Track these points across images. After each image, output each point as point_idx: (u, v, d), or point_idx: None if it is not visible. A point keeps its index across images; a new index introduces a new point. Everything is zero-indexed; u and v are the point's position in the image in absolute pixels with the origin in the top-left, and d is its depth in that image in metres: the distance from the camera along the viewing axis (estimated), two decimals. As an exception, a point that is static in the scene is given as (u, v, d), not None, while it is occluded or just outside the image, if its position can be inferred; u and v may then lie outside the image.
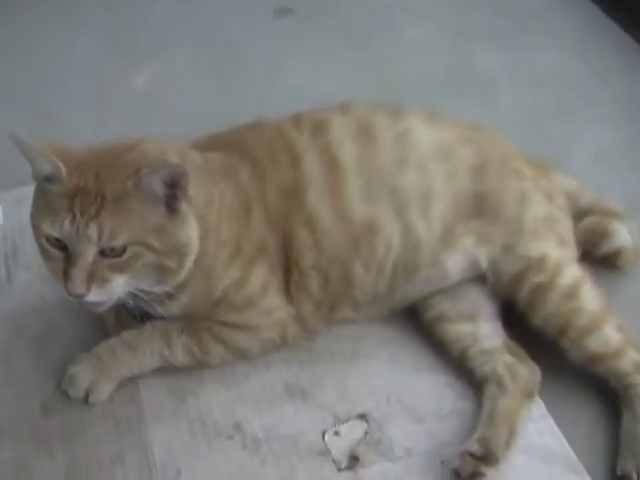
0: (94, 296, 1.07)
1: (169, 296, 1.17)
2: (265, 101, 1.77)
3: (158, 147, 1.17)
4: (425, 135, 1.28)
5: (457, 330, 1.26)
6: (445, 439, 1.18)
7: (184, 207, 1.09)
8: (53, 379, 1.25)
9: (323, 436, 1.18)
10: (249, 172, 1.23)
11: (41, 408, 1.22)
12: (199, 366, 1.24)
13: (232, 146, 1.27)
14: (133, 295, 1.12)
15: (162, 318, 1.23)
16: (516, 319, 1.28)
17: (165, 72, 1.92)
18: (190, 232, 1.11)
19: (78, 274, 1.05)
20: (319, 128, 1.26)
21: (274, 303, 1.23)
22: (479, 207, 1.26)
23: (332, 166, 1.23)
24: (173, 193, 1.06)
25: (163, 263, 1.09)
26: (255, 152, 1.26)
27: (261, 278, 1.22)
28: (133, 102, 1.77)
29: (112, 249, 1.05)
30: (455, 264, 1.26)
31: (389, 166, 1.24)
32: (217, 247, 1.18)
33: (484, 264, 1.26)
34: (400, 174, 1.24)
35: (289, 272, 1.24)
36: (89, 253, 1.05)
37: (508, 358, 1.23)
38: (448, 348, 1.26)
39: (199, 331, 1.23)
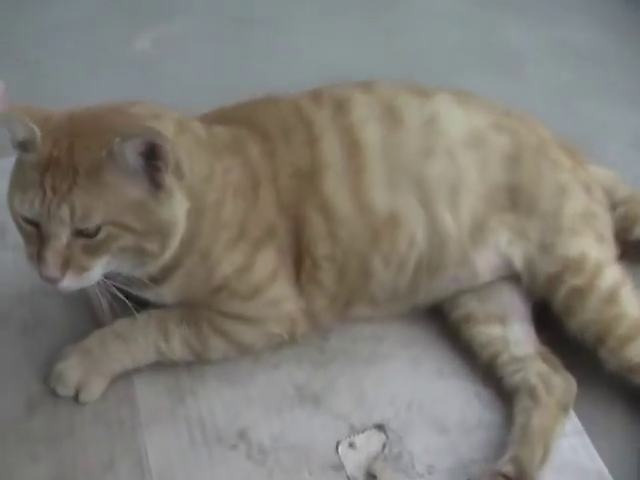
0: (68, 282, 0.96)
1: (155, 280, 1.05)
2: (277, 69, 1.62)
3: (151, 112, 1.04)
4: (455, 120, 1.15)
5: (486, 333, 1.14)
6: (471, 455, 1.06)
7: (169, 181, 0.96)
8: (40, 372, 1.12)
9: (337, 447, 1.05)
10: (259, 149, 1.10)
11: (25, 405, 1.09)
12: (199, 361, 1.12)
13: (242, 120, 1.14)
14: (115, 280, 1.01)
15: (160, 306, 1.11)
16: (548, 322, 1.14)
17: (172, 36, 1.77)
18: (175, 210, 0.98)
19: (51, 257, 0.94)
20: (340, 106, 1.14)
21: (282, 293, 1.10)
22: (513, 201, 1.13)
23: (353, 150, 1.11)
24: (154, 165, 0.94)
25: (143, 245, 0.97)
26: (267, 128, 1.13)
27: (268, 265, 1.09)
28: (136, 66, 1.62)
29: (86, 229, 0.94)
30: (486, 263, 1.14)
31: (415, 153, 1.12)
32: (216, 227, 1.05)
33: (518, 263, 1.14)
34: (427, 162, 1.11)
35: (301, 261, 1.11)
36: (62, 235, 0.94)
37: (541, 366, 1.10)
38: (476, 352, 1.14)
39: (199, 321, 1.10)
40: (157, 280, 1.05)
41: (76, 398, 1.09)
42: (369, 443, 1.06)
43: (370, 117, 1.12)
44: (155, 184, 0.96)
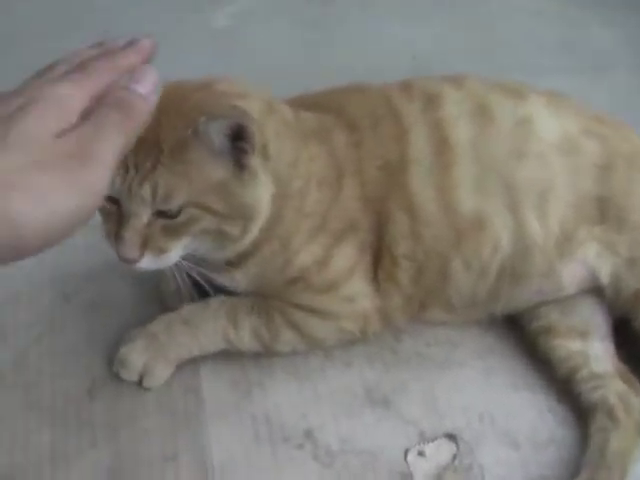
0: (146, 263, 0.92)
1: (231, 264, 1.00)
2: (358, 54, 1.53)
3: (239, 90, 0.97)
4: (548, 124, 1.08)
5: (566, 347, 1.08)
6: (541, 471, 1.01)
7: (255, 163, 0.91)
8: (104, 356, 1.08)
9: (406, 455, 1.01)
10: (345, 139, 1.05)
11: (88, 389, 1.05)
12: (266, 352, 1.07)
13: (329, 108, 1.08)
14: (191, 262, 0.96)
15: (230, 293, 1.06)
16: (626, 339, 1.10)
17: (249, 14, 1.67)
18: (259, 193, 0.93)
19: (130, 237, 0.89)
20: (431, 101, 1.07)
21: (358, 290, 1.05)
22: (602, 212, 1.07)
23: (442, 147, 1.04)
24: (240, 146, 0.88)
25: (224, 227, 0.92)
26: (355, 117, 1.07)
27: (347, 260, 1.04)
28: (212, 43, 1.54)
29: (168, 210, 0.89)
30: (572, 276, 1.08)
31: (506, 155, 1.05)
32: (298, 216, 1.00)
33: (604, 278, 1.08)
34: (518, 165, 1.05)
35: (379, 258, 1.06)
36: (142, 214, 0.89)
37: (621, 386, 1.05)
38: (553, 366, 1.09)
39: (270, 312, 1.05)
40: (233, 264, 1.01)
41: (140, 383, 1.05)
42: (439, 452, 1.02)
43: (461, 114, 1.06)
44: (240, 165, 0.90)
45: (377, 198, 1.04)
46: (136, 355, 1.05)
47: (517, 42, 1.62)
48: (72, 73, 0.68)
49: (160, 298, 1.11)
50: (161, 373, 1.05)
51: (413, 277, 1.06)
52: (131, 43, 0.73)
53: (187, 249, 0.95)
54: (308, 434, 1.02)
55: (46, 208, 0.59)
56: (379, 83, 1.10)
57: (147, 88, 0.68)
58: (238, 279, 1.03)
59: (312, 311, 1.05)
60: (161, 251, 0.92)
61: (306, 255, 1.02)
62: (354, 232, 1.04)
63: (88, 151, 0.62)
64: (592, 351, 1.08)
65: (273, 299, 1.06)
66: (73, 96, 0.65)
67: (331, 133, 1.04)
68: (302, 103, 1.08)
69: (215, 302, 1.06)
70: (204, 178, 0.90)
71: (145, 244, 0.91)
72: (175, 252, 0.93)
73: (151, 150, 0.87)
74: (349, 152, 1.04)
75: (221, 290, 1.06)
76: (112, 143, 0.64)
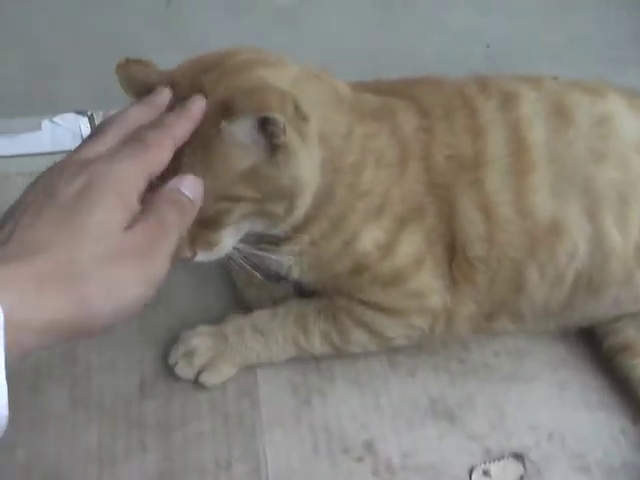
0: (202, 257, 0.86)
1: (286, 243, 0.92)
2: (429, 37, 1.40)
3: (267, 58, 0.88)
4: (629, 124, 0.98)
5: None
6: (612, 499, 0.94)
7: (290, 139, 0.81)
8: (157, 352, 1.00)
9: (470, 473, 0.93)
10: (415, 121, 0.95)
11: (138, 387, 0.97)
12: (339, 354, 0.99)
13: (401, 94, 0.98)
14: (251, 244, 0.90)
15: (294, 283, 0.99)
16: None
17: None
18: (300, 170, 0.84)
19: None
20: (508, 100, 0.98)
21: (428, 284, 0.96)
22: None
23: (520, 148, 0.95)
24: (268, 131, 0.80)
25: (265, 209, 0.85)
26: (428, 104, 0.97)
27: (414, 248, 0.94)
28: (274, 22, 1.40)
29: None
30: None
31: (585, 157, 0.96)
32: (353, 194, 0.91)
33: None
34: (597, 168, 0.95)
35: (454, 256, 0.97)
36: None
37: (702, 410, 0.98)
38: (630, 386, 1.00)
39: (338, 314, 0.98)
40: (284, 241, 0.92)
41: (195, 381, 0.97)
42: (505, 473, 0.93)
43: (539, 115, 0.97)
44: (272, 147, 0.82)
45: (445, 185, 0.95)
46: (204, 349, 0.98)
47: (597, 32, 1.49)
48: (129, 146, 0.72)
49: (237, 296, 1.05)
50: (225, 371, 0.98)
51: (487, 284, 0.97)
52: (182, 109, 0.78)
53: (239, 234, 0.88)
54: (368, 446, 0.94)
55: (117, 298, 0.65)
56: (454, 77, 1.00)
57: (194, 195, 0.75)
58: (291, 265, 0.95)
59: (379, 308, 0.97)
60: (210, 244, 0.86)
61: (367, 238, 0.92)
62: (420, 218, 0.95)
63: (154, 247, 0.68)
64: (673, 372, 1.00)
65: (339, 298, 0.97)
66: (133, 178, 0.69)
67: (396, 115, 0.95)
68: (374, 87, 0.99)
69: (282, 309, 0.99)
70: (231, 170, 0.82)
71: (193, 241, 0.85)
72: (226, 241, 0.87)
73: (177, 153, 0.78)
74: (416, 136, 0.95)
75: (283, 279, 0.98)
76: (171, 241, 0.70)
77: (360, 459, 0.93)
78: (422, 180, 0.95)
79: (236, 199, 0.83)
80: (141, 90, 0.86)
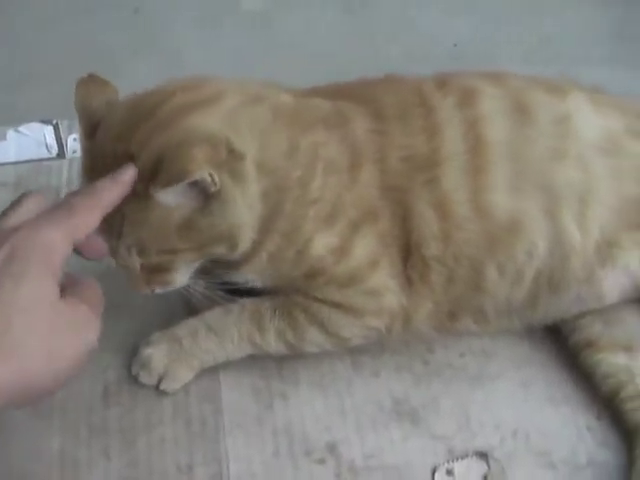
0: (160, 291, 0.90)
1: (238, 264, 0.92)
2: (397, 37, 1.39)
3: (202, 97, 0.87)
4: (589, 122, 0.97)
5: (610, 362, 0.97)
6: (579, 497, 0.91)
7: (223, 185, 0.81)
8: (119, 359, 0.98)
9: (433, 473, 0.90)
10: (368, 125, 0.94)
11: (102, 393, 0.95)
12: (294, 354, 0.97)
13: (356, 96, 0.97)
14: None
15: (255, 294, 0.97)
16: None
17: None
18: (236, 211, 0.84)
19: (134, 281, 0.88)
20: (467, 97, 0.96)
21: (383, 285, 0.94)
22: None
23: (477, 146, 0.93)
24: (203, 187, 0.81)
25: (207, 252, 0.87)
26: (383, 106, 0.96)
27: (368, 250, 0.93)
28: (243, 28, 1.39)
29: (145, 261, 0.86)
30: (614, 284, 0.97)
31: (544, 155, 0.94)
32: (303, 205, 0.89)
33: None
34: (556, 167, 0.93)
35: (409, 257, 0.95)
36: (133, 266, 0.86)
37: (668, 405, 0.95)
38: (596, 382, 0.97)
39: (294, 312, 0.95)
40: (240, 264, 0.92)
41: (157, 387, 0.96)
42: (469, 472, 0.91)
43: (498, 112, 0.95)
44: (205, 197, 0.82)
45: (400, 188, 0.93)
46: (159, 357, 0.96)
47: (564, 32, 1.46)
48: (54, 212, 0.72)
49: (185, 301, 1.01)
50: (181, 377, 0.96)
51: (443, 283, 0.95)
52: (113, 175, 0.78)
53: (192, 268, 0.90)
54: (331, 448, 0.92)
55: (56, 363, 0.66)
56: (415, 75, 0.99)
57: None
58: (252, 278, 0.94)
59: (336, 306, 0.94)
60: (165, 283, 0.89)
61: (320, 244, 0.91)
62: (373, 221, 0.93)
63: (88, 318, 0.72)
64: (638, 366, 0.96)
65: (296, 297, 0.95)
66: (59, 245, 0.70)
67: (349, 119, 0.94)
68: (330, 91, 0.98)
69: (237, 307, 0.96)
70: (165, 227, 0.83)
71: (149, 282, 0.88)
72: (180, 277, 0.89)
73: (116, 217, 0.81)
74: (369, 139, 0.93)
75: (241, 293, 0.96)
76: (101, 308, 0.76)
77: (322, 461, 0.91)
78: (376, 184, 0.93)
79: (174, 252, 0.85)
80: (87, 116, 0.88)
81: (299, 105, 0.93)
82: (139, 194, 0.81)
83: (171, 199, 0.81)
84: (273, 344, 0.96)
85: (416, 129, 0.94)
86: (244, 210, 0.85)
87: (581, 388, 0.98)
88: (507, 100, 0.96)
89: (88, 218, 0.74)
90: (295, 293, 0.95)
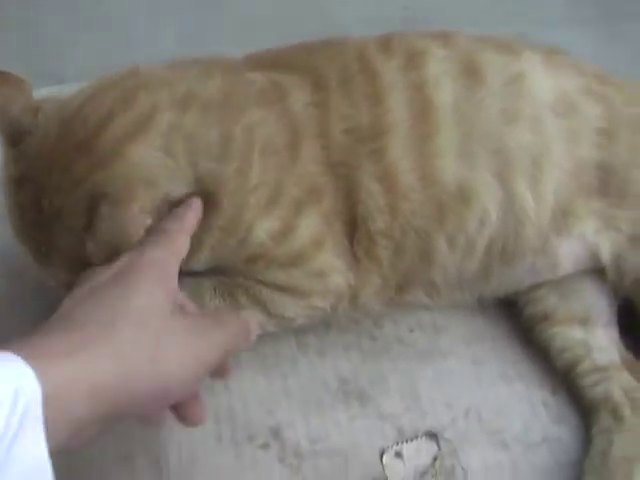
0: None
1: None
2: (344, 2, 1.23)
3: (135, 122, 0.79)
4: (544, 83, 0.90)
5: (566, 336, 0.91)
6: (533, 476, 0.84)
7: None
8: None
9: (381, 456, 0.85)
10: (307, 98, 0.86)
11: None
12: None
13: (294, 65, 0.90)
14: None
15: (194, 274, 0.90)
16: (632, 325, 0.93)
17: None
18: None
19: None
20: (413, 59, 0.89)
21: (329, 265, 0.87)
22: (603, 183, 0.89)
23: (424, 110, 0.86)
24: None
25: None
26: (323, 75, 0.88)
27: (312, 230, 0.86)
28: None
29: None
30: (569, 253, 0.90)
31: (495, 118, 0.87)
32: (241, 194, 0.82)
33: (605, 256, 0.90)
34: (509, 130, 0.87)
35: (354, 233, 0.88)
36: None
37: (627, 380, 0.88)
38: (552, 357, 0.92)
39: (235, 292, 0.88)
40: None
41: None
42: (419, 453, 0.85)
43: (446, 74, 0.88)
44: None
45: (344, 162, 0.86)
46: None
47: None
48: (152, 237, 0.74)
49: None
50: None
51: (391, 257, 0.89)
52: (188, 202, 0.79)
53: None
54: (275, 433, 0.86)
55: (163, 367, 0.64)
56: (357, 37, 0.91)
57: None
58: (195, 266, 0.86)
59: (279, 288, 0.88)
60: None
61: (262, 230, 0.84)
62: (317, 200, 0.86)
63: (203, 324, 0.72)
64: (594, 340, 0.91)
65: (237, 278, 0.88)
66: (168, 262, 0.73)
67: (286, 93, 0.86)
68: (267, 59, 0.91)
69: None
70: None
71: None
72: None
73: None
74: (309, 113, 0.86)
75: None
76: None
77: (266, 446, 0.85)
78: (318, 160, 0.86)
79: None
80: (8, 122, 0.80)
81: (231, 87, 0.85)
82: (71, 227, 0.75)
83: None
84: None
85: (359, 98, 0.87)
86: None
87: (535, 364, 0.93)
88: (456, 61, 0.89)
89: (182, 240, 0.76)
90: (236, 274, 0.89)
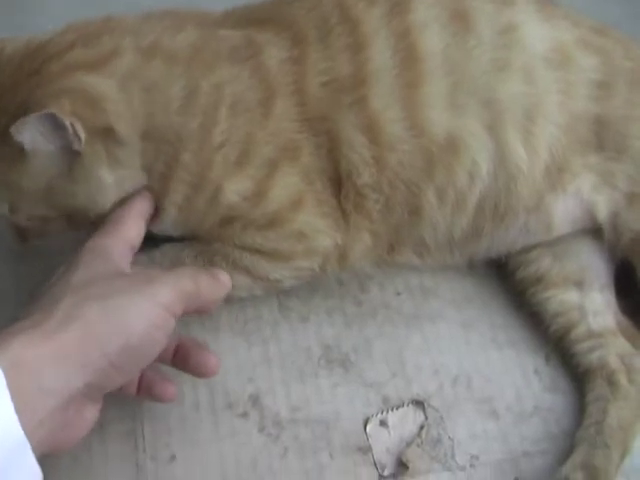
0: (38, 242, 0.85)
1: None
2: None
3: (95, 57, 0.76)
4: (537, 32, 0.83)
5: (560, 299, 0.85)
6: (523, 447, 0.79)
7: (90, 152, 0.73)
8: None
9: (365, 425, 0.80)
10: (283, 54, 0.81)
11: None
12: (225, 300, 0.82)
13: (272, 19, 0.84)
14: None
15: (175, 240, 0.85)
16: (628, 288, 0.87)
17: None
18: (99, 186, 0.76)
19: (12, 234, 0.84)
20: (397, 5, 0.82)
21: (310, 225, 0.82)
22: (599, 137, 0.83)
23: (409, 58, 0.80)
24: (67, 140, 0.71)
25: (75, 222, 0.80)
26: (300, 28, 0.82)
27: (289, 190, 0.81)
28: None
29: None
30: (564, 212, 0.84)
31: (486, 67, 0.81)
32: (205, 151, 0.78)
33: (601, 214, 0.84)
34: (499, 80, 0.81)
35: (340, 187, 0.83)
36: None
37: (623, 345, 0.83)
38: (545, 321, 0.86)
39: (215, 259, 0.83)
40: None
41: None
42: (404, 422, 0.80)
43: (433, 20, 0.81)
44: (70, 160, 0.73)
45: (321, 118, 0.80)
46: None
47: None
48: (103, 225, 0.77)
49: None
50: None
51: (380, 212, 0.83)
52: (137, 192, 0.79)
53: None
54: (254, 400, 0.81)
55: (121, 320, 0.66)
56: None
57: None
58: (166, 228, 0.83)
59: (258, 252, 0.82)
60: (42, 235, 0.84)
61: (230, 190, 0.79)
62: (294, 158, 0.81)
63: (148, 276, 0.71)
64: (590, 304, 0.85)
65: (215, 243, 0.83)
66: (113, 246, 0.75)
67: (260, 50, 0.81)
68: (244, 15, 0.84)
69: (158, 254, 0.84)
70: (34, 191, 0.75)
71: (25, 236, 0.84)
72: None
73: None
74: (284, 70, 0.80)
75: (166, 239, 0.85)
76: None
77: (245, 415, 0.80)
78: (293, 117, 0.80)
79: (42, 219, 0.79)
80: None
81: (202, 42, 0.80)
82: (6, 150, 0.72)
83: (29, 141, 0.70)
84: None
85: (339, 48, 0.80)
86: (110, 183, 0.76)
87: (528, 329, 0.87)
88: (444, 7, 0.82)
89: (130, 223, 0.77)
90: (214, 240, 0.84)
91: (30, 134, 0.69)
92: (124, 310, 0.65)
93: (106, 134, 0.73)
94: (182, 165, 0.77)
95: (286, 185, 0.80)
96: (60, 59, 0.74)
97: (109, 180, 0.75)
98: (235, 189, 0.78)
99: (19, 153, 0.71)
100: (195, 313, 0.75)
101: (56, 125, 0.69)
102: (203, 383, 0.81)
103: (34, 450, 0.59)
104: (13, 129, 0.68)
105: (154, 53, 0.77)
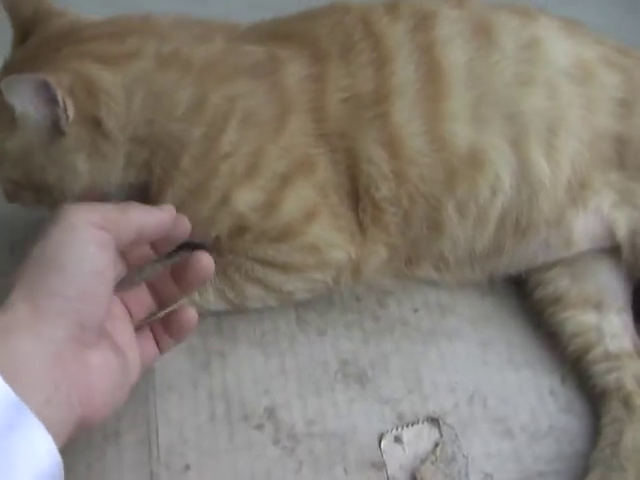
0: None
1: None
2: None
3: (121, 51, 0.77)
4: (560, 48, 0.83)
5: (578, 320, 0.84)
6: (538, 467, 0.78)
7: (75, 133, 0.74)
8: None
9: (380, 440, 0.79)
10: (304, 71, 0.80)
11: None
12: (238, 311, 0.84)
13: (296, 35, 0.83)
14: None
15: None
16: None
17: None
18: (68, 170, 0.76)
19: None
20: (422, 21, 0.82)
21: (324, 238, 0.81)
22: (620, 155, 0.82)
23: (432, 72, 0.79)
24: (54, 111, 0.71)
25: (43, 196, 0.80)
26: (323, 44, 0.82)
27: (303, 203, 0.80)
28: None
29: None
30: (584, 228, 0.83)
31: (509, 81, 0.80)
32: (208, 159, 0.77)
33: (620, 233, 0.83)
34: (523, 94, 0.80)
35: (358, 201, 0.82)
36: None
37: (639, 367, 0.82)
38: (562, 342, 0.85)
39: (228, 271, 0.82)
40: None
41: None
42: (419, 439, 0.78)
43: (457, 34, 0.81)
44: (56, 132, 0.73)
45: (340, 134, 0.80)
46: None
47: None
48: None
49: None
50: None
51: (399, 225, 0.82)
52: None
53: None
54: (270, 413, 0.79)
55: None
56: (362, 2, 0.84)
57: None
58: None
59: (270, 264, 0.82)
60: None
61: (239, 200, 0.78)
62: (308, 172, 0.80)
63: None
64: (608, 326, 0.83)
65: (227, 255, 0.82)
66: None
67: (281, 66, 0.80)
68: (269, 30, 0.84)
69: (169, 262, 0.82)
70: (14, 152, 0.75)
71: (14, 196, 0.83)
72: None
73: None
74: (303, 86, 0.80)
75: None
76: None
77: (260, 427, 0.79)
78: (309, 132, 0.80)
79: (13, 182, 0.79)
80: (17, 22, 0.80)
81: (222, 55, 0.80)
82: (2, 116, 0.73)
83: (19, 104, 0.71)
84: (213, 302, 0.84)
85: (361, 64, 0.80)
86: (83, 171, 0.76)
87: (545, 350, 0.86)
88: (469, 23, 0.82)
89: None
90: (226, 252, 0.83)
91: (21, 98, 0.70)
92: (55, 248, 0.63)
93: (95, 124, 0.74)
94: (182, 171, 0.77)
95: (299, 198, 0.79)
96: (82, 46, 0.76)
97: (83, 168, 0.75)
98: (244, 199, 0.78)
99: (10, 118, 0.72)
100: (162, 248, 0.75)
101: (49, 97, 0.70)
102: (219, 394, 0.80)
103: (66, 424, 0.61)
104: (3, 83, 0.68)
105: (171, 62, 0.77)
